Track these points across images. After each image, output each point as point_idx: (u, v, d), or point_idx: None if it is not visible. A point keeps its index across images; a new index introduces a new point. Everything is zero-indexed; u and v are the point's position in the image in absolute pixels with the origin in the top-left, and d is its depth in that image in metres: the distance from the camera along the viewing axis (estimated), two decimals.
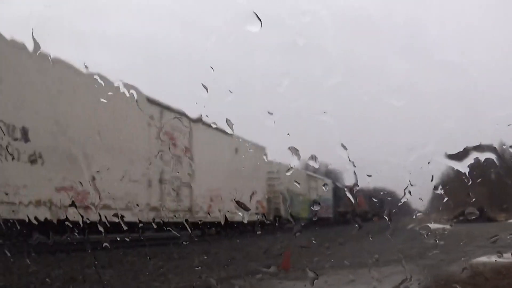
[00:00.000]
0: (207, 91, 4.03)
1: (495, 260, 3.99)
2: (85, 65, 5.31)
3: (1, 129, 8.40)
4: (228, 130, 4.05)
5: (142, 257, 6.22)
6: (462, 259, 4.48)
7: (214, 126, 4.23)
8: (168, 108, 12.87)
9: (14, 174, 8.36)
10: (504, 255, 3.92)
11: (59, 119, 9.63)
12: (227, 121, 4.04)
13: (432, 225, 4.79)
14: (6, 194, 7.12)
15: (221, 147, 13.31)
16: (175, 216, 12.34)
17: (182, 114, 11.00)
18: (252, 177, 14.82)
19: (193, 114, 6.10)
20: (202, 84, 4.01)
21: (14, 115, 8.75)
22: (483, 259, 5.14)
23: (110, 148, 10.60)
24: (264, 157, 5.27)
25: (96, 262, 5.20)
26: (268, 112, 3.81)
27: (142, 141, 11.89)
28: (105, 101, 8.14)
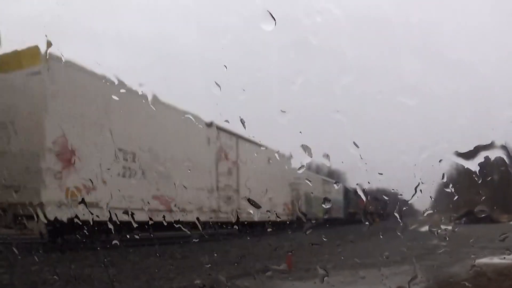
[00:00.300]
0: (220, 89, 4.04)
1: (504, 258, 4.01)
2: (171, 105, 6.02)
3: (118, 154, 11.65)
4: (241, 128, 4.09)
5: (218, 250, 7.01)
6: (472, 256, 4.49)
7: (253, 140, 4.32)
8: (221, 129, 16.23)
9: (128, 186, 11.36)
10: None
11: (154, 146, 13.21)
12: (240, 119, 4.05)
13: (442, 223, 4.81)
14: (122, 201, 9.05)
15: (258, 158, 16.38)
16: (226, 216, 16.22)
17: (234, 134, 16.74)
18: (281, 183, 18.69)
19: (206, 113, 6.23)
20: (215, 82, 4.02)
21: (128, 144, 12.10)
22: (491, 258, 5.14)
23: (185, 165, 13.86)
24: (289, 165, 5.50)
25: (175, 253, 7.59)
26: (281, 111, 3.82)
27: (205, 158, 15.91)
28: (184, 131, 13.60)
